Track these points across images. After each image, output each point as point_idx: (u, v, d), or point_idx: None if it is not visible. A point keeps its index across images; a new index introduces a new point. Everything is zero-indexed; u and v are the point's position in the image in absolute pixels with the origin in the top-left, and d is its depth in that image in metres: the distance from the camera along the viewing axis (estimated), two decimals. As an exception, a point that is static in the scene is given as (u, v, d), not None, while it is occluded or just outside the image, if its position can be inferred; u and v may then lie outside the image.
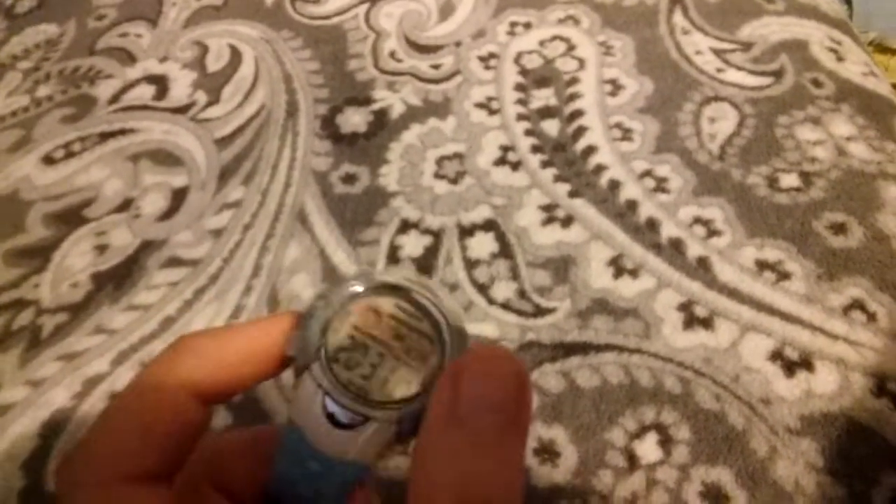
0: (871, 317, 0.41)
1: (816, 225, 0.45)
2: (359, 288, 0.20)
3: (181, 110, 0.57)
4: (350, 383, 0.19)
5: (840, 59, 0.56)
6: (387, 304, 0.20)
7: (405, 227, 0.48)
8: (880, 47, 1.09)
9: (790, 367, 0.39)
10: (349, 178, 0.51)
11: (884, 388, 0.38)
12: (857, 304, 0.42)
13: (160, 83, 0.60)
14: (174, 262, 0.48)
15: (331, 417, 0.19)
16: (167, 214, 0.50)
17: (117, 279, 0.47)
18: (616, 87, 0.55)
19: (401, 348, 0.19)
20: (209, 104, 0.57)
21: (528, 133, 0.52)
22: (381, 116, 0.55)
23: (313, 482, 0.19)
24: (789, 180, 0.48)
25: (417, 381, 0.19)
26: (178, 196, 0.51)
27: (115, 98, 0.60)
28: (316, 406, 0.19)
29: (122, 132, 0.57)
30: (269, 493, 0.20)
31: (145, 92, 0.60)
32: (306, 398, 0.19)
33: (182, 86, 0.59)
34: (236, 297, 0.45)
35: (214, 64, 0.61)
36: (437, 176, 0.51)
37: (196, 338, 0.20)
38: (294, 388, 0.20)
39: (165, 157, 0.54)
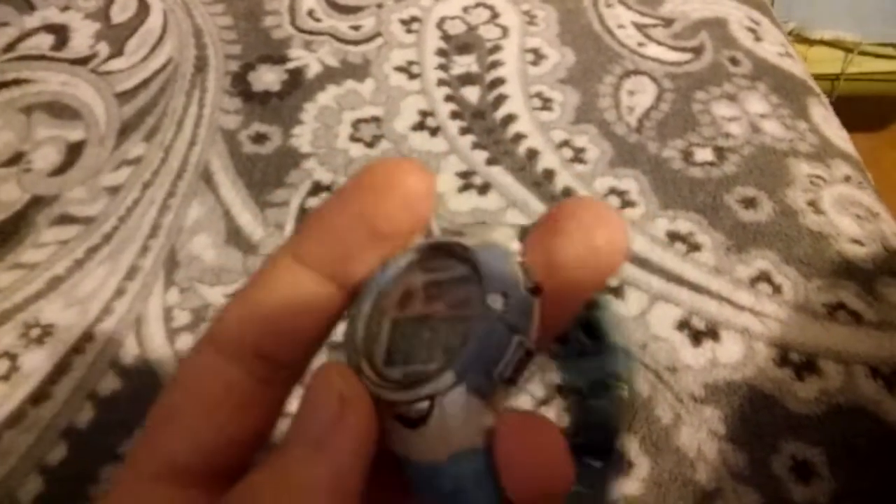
0: (777, 289, 0.41)
1: (728, 199, 0.46)
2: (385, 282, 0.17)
3: (81, 62, 0.54)
4: (407, 376, 0.16)
5: (758, 38, 0.56)
6: (415, 279, 0.17)
7: (317, 189, 0.46)
8: (799, 38, 1.11)
9: (697, 337, 0.40)
10: (259, 138, 0.49)
11: (786, 358, 0.39)
12: (764, 277, 0.42)
13: (60, 33, 0.56)
14: (66, 219, 0.44)
15: (409, 422, 0.15)
16: (61, 169, 0.47)
17: (3, 236, 0.44)
18: (538, 56, 0.54)
19: (443, 307, 0.16)
20: (112, 56, 0.54)
21: (448, 99, 0.51)
22: (296, 76, 0.52)
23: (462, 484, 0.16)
24: (703, 154, 0.48)
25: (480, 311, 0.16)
26: (74, 151, 0.48)
27: (9, 47, 0.55)
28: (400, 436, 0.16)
29: (16, 82, 0.53)
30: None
31: (43, 41, 0.55)
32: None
33: (83, 36, 0.56)
34: (131, 258, 0.42)
35: (120, 15, 0.57)
36: (353, 139, 0.49)
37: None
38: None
39: (62, 110, 0.51)
